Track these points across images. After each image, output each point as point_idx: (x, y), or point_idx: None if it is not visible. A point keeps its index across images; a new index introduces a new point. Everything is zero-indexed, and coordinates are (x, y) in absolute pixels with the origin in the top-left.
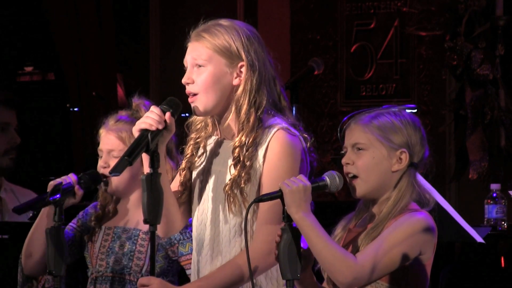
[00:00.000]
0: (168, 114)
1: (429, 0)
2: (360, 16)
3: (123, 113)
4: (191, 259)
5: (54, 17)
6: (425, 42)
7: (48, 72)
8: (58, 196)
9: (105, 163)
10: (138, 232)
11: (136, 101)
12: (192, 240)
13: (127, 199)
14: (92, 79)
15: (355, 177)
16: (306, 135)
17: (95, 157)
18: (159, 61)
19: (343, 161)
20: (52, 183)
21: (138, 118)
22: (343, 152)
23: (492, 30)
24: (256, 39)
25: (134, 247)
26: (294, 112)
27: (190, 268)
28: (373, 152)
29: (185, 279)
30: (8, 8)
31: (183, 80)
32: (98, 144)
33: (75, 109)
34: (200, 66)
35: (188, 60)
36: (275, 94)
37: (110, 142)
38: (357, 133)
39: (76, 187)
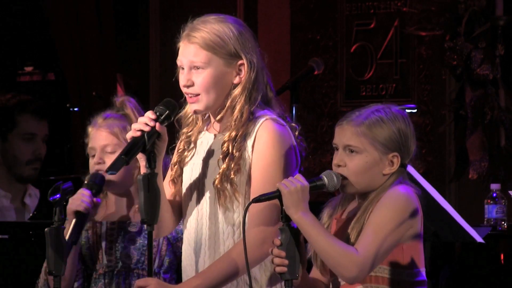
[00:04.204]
0: (158, 125)
1: (429, 0)
2: (360, 16)
3: (109, 111)
4: None
5: (54, 17)
6: (425, 42)
7: (48, 72)
8: (58, 196)
9: (100, 159)
10: None
11: (118, 99)
12: None
13: (128, 192)
14: (92, 79)
15: (345, 178)
16: (294, 124)
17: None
18: (159, 61)
19: (335, 162)
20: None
21: (125, 114)
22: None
23: (492, 30)
24: (247, 33)
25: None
26: (294, 112)
27: None
28: (366, 156)
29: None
30: (8, 8)
31: (182, 83)
32: (86, 145)
33: (75, 109)
34: (198, 68)
35: (184, 63)
36: (265, 86)
37: (103, 137)
38: (349, 135)
39: (94, 199)
